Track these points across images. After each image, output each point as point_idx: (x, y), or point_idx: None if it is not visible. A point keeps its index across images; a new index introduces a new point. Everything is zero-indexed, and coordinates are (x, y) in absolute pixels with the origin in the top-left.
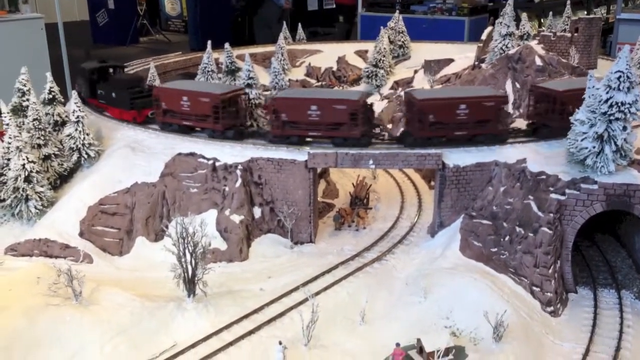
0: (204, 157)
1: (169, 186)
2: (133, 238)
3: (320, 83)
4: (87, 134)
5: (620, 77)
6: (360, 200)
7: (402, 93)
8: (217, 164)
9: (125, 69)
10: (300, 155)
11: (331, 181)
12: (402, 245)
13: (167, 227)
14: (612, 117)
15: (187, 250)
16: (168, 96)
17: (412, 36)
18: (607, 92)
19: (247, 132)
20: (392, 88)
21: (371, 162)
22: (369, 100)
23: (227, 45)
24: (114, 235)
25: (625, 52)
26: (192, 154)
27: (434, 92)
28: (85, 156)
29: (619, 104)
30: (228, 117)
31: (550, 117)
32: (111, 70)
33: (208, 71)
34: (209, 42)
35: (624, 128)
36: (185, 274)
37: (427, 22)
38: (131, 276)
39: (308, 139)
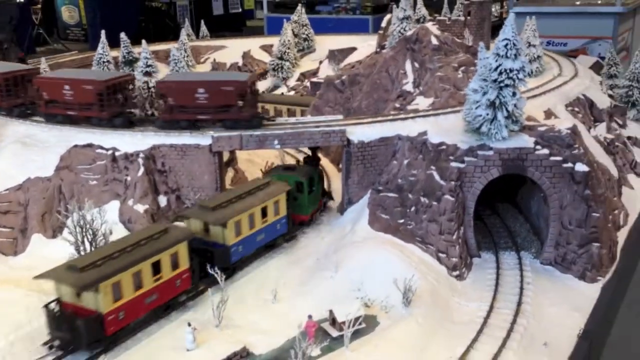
0: (102, 148)
1: (66, 180)
2: (28, 236)
3: None
4: None
5: (507, 44)
6: None
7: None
8: (116, 153)
9: None
10: (204, 139)
11: (239, 169)
12: (312, 225)
13: (66, 217)
14: (502, 84)
15: (86, 239)
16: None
17: (318, 31)
18: (497, 60)
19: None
20: (298, 80)
21: (276, 142)
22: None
23: (122, 34)
24: (7, 234)
25: (510, 20)
26: (89, 145)
27: (179, 75)
28: None
29: (508, 71)
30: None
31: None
32: None
33: (104, 62)
34: (103, 32)
35: (514, 94)
36: None
37: (333, 22)
38: (27, 274)
39: None
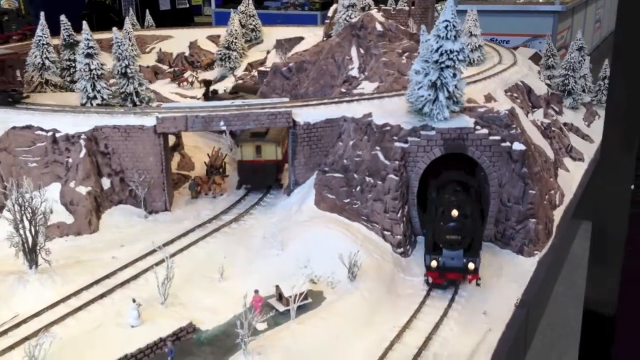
0: (42, 129)
1: (4, 162)
2: None
3: (172, 69)
4: None
5: (447, 26)
6: (216, 169)
7: None
8: (57, 135)
9: None
10: (148, 120)
11: (186, 154)
12: (259, 207)
13: (4, 195)
14: (443, 65)
15: (24, 218)
16: None
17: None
18: (437, 42)
19: None
20: (246, 70)
21: (222, 123)
22: None
23: (62, 17)
24: None
25: (450, 2)
26: (28, 127)
27: None
28: None
29: (448, 52)
30: None
31: None
32: None
33: (43, 44)
34: (42, 14)
35: (454, 75)
36: (25, 244)
37: (281, 17)
38: None
39: None
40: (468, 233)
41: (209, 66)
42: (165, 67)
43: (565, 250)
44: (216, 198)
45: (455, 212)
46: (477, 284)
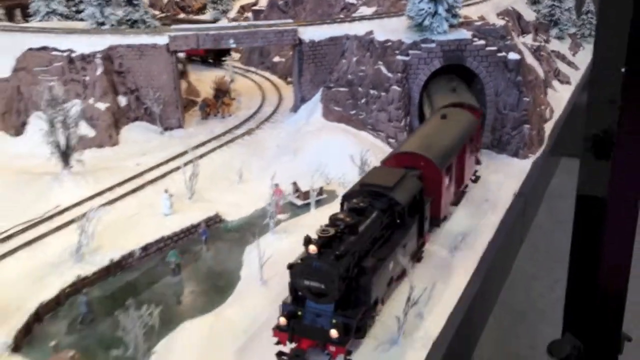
0: (57, 50)
1: (24, 81)
2: None
3: (164, 14)
4: None
5: None
6: (222, 93)
7: None
8: (73, 55)
9: None
10: (161, 39)
11: (191, 82)
12: (268, 123)
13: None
14: None
15: (57, 120)
16: None
17: None
18: None
19: None
20: (238, 12)
21: (232, 41)
22: None
23: None
24: None
25: None
26: (44, 48)
27: None
28: None
29: None
30: None
31: None
32: None
33: None
34: None
35: None
36: (59, 146)
37: None
38: None
39: None
40: (336, 281)
41: (200, 11)
42: (156, 12)
43: (558, 153)
44: (225, 118)
45: (313, 249)
46: None
